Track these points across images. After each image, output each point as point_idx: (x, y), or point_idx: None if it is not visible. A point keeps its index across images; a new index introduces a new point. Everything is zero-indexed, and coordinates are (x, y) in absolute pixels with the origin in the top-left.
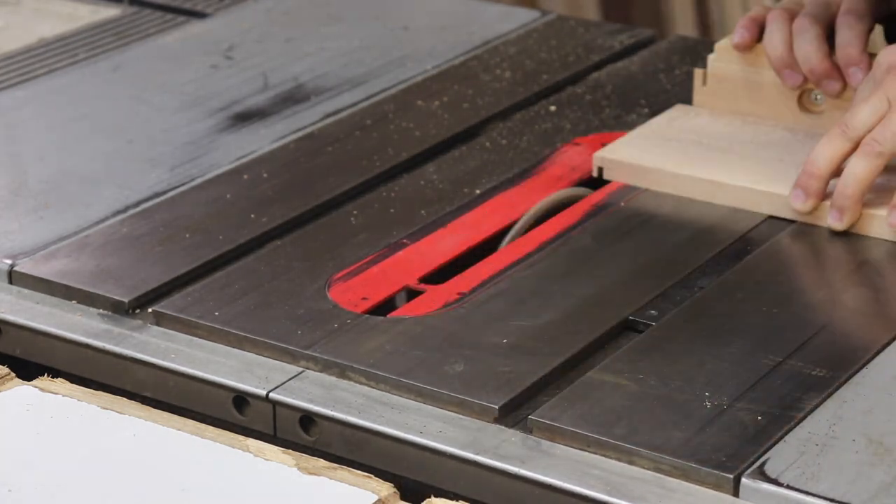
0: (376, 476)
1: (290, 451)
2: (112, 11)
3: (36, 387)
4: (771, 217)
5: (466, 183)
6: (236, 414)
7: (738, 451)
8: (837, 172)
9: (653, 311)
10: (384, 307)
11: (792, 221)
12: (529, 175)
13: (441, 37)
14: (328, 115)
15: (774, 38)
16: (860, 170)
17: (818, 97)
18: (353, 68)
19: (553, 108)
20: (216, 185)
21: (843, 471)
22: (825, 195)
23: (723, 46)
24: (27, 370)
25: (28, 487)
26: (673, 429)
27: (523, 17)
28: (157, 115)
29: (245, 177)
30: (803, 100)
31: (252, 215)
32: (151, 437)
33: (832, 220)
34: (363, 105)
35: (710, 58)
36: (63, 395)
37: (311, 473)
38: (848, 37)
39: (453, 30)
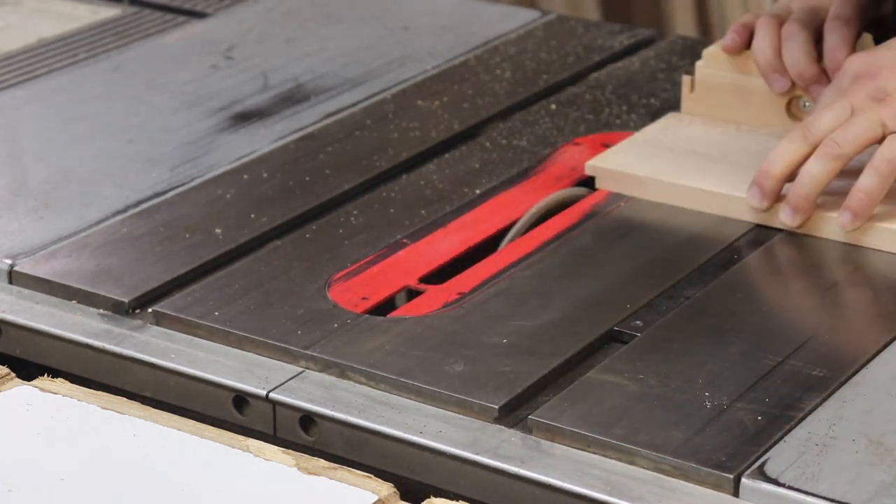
0: (376, 476)
1: (290, 451)
2: (112, 11)
3: (36, 387)
4: (759, 226)
5: (466, 183)
6: (236, 414)
7: (738, 451)
8: (794, 174)
9: (638, 322)
10: (384, 307)
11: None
12: (529, 175)
13: (441, 37)
14: (328, 115)
15: (763, 42)
16: (817, 170)
17: (806, 104)
18: (353, 68)
19: (553, 107)
20: (216, 185)
21: (843, 471)
22: (781, 196)
23: (711, 53)
24: (27, 370)
25: (28, 487)
26: (673, 429)
27: (523, 17)
28: (157, 115)
29: (245, 177)
30: (791, 107)
31: (252, 215)
32: (151, 437)
33: (784, 216)
34: (363, 105)
35: (699, 64)
36: (63, 395)
37: (311, 473)
38: (835, 41)
39: (453, 30)
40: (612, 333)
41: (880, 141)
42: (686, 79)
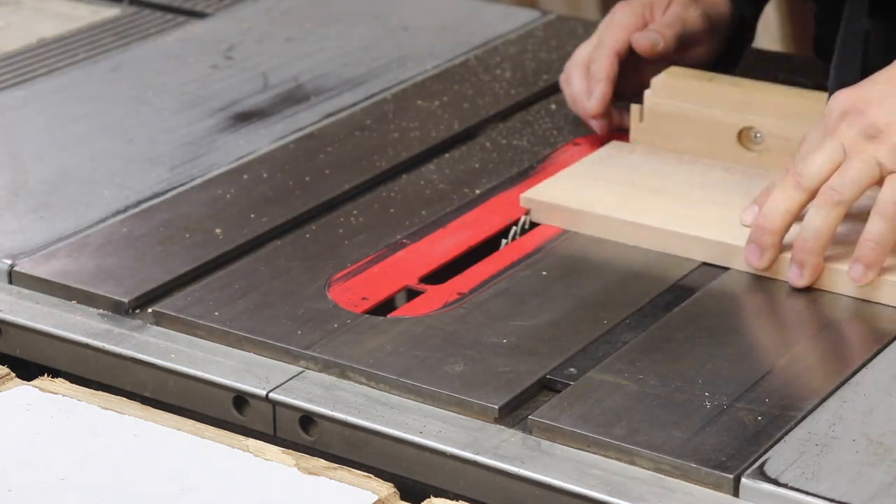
0: (376, 476)
1: (290, 451)
2: (112, 11)
3: (36, 387)
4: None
5: (466, 183)
6: (236, 414)
7: (738, 451)
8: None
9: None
10: (384, 307)
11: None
12: (529, 175)
13: (441, 37)
14: (328, 115)
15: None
16: (819, 221)
17: (757, 135)
18: (353, 68)
19: (553, 107)
20: (216, 185)
21: (843, 471)
22: (782, 249)
23: (659, 81)
24: (27, 370)
25: (28, 487)
26: (673, 429)
27: (523, 17)
28: (157, 115)
29: (245, 177)
30: (742, 137)
31: (252, 215)
32: (151, 437)
33: (793, 276)
34: (363, 105)
35: (647, 93)
36: (63, 395)
37: (311, 473)
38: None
39: (453, 30)
40: (614, 332)
41: (879, 182)
42: (635, 108)
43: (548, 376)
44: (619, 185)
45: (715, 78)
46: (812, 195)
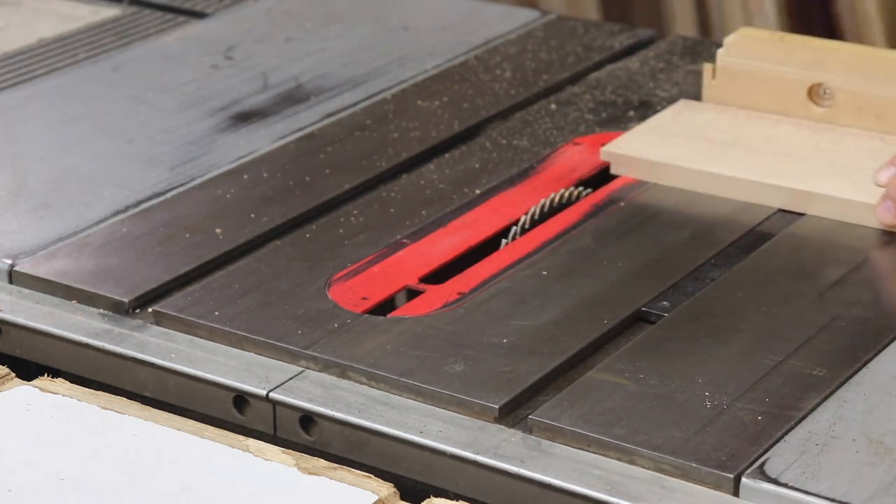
0: (376, 476)
1: (290, 451)
2: (112, 11)
3: (36, 387)
4: (781, 210)
5: (466, 183)
6: (236, 414)
7: (738, 451)
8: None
9: (665, 303)
10: (384, 307)
11: (801, 214)
12: (529, 175)
13: (441, 37)
14: (328, 115)
15: None
16: None
17: (826, 91)
18: (353, 68)
19: (553, 107)
20: (216, 185)
21: (843, 471)
22: None
23: (732, 41)
24: (27, 370)
25: (28, 487)
26: (673, 429)
27: (523, 17)
28: (157, 115)
29: (245, 177)
30: (812, 94)
31: (252, 215)
32: (151, 437)
33: None
34: (363, 105)
35: (720, 52)
36: (63, 395)
37: (311, 473)
38: None
39: (453, 30)
40: (615, 330)
41: None
42: (707, 67)
43: (643, 308)
44: (692, 139)
45: (785, 37)
46: None
